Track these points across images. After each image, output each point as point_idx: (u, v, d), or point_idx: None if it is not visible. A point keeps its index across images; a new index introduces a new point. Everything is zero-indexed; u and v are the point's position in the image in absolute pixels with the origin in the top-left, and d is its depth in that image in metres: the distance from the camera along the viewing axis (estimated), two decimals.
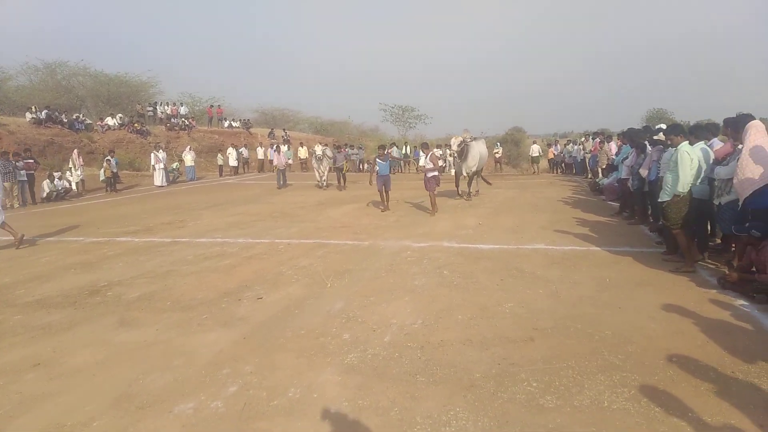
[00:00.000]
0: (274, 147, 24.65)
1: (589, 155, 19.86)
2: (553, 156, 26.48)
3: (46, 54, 56.76)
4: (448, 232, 9.51)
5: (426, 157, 12.23)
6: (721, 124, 7.28)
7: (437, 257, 7.60)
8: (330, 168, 19.29)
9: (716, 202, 6.56)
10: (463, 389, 3.62)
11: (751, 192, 5.73)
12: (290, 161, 22.98)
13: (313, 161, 19.64)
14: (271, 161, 21.47)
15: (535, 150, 27.77)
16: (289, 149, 31.70)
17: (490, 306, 5.38)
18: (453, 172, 16.04)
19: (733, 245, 6.70)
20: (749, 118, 6.05)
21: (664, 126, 9.39)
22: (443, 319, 5.04)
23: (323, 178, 19.13)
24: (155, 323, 5.13)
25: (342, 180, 18.99)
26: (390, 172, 12.95)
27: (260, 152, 30.69)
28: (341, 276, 6.69)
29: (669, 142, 7.25)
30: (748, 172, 5.73)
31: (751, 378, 3.69)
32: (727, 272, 5.86)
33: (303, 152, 31.13)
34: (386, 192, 12.52)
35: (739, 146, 6.15)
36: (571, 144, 25.94)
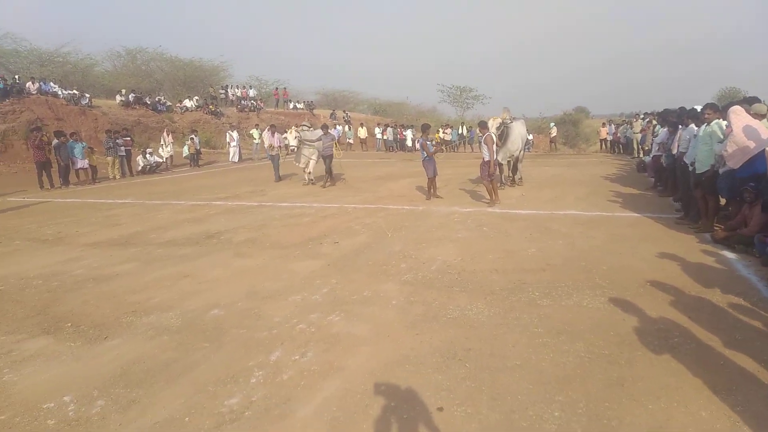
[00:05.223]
0: (269, 128, 19.14)
1: (640, 135, 20.51)
2: (606, 136, 26.98)
3: (126, 40, 60.78)
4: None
5: (482, 138, 10.60)
6: None
7: (480, 218, 9.05)
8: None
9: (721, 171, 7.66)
10: (485, 295, 5.15)
11: (745, 160, 6.87)
12: (280, 145, 17.58)
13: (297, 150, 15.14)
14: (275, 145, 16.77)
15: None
16: (350, 129, 33.62)
17: (515, 251, 6.83)
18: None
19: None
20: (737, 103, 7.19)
21: (698, 107, 10.35)
22: (477, 257, 6.55)
23: (309, 171, 14.95)
24: (262, 255, 6.92)
25: (328, 173, 14.69)
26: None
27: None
28: (399, 230, 8.28)
29: (705, 117, 8.06)
30: (742, 143, 6.87)
31: (702, 294, 5.02)
32: (716, 229, 7.06)
33: (363, 132, 32.94)
34: (431, 178, 11.48)
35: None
36: (626, 125, 26.40)
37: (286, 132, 15.19)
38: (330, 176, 14.74)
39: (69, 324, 4.77)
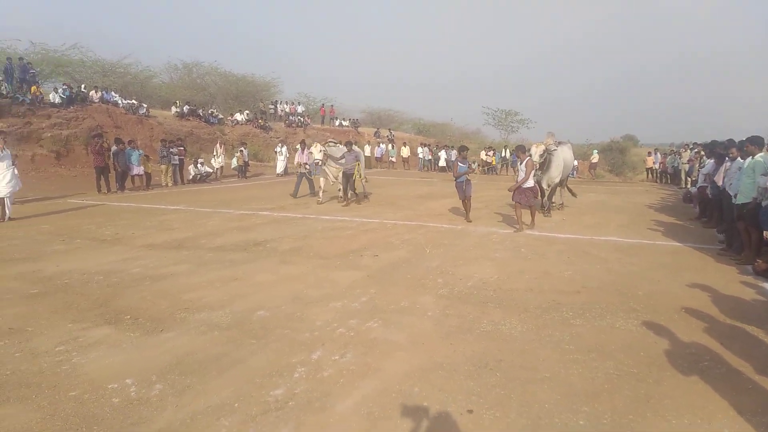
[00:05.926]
0: (299, 144, 18.87)
1: (687, 165, 20.20)
2: (652, 165, 26.59)
3: (184, 54, 63.39)
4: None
5: (522, 163, 10.45)
6: None
7: (518, 240, 9.18)
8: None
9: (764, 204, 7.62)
10: (519, 312, 5.31)
11: None
12: (308, 162, 15.88)
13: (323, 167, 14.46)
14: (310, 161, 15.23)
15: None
16: (393, 148, 34.13)
17: (552, 272, 6.95)
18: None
19: None
20: None
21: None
22: (514, 276, 6.70)
23: (322, 188, 14.71)
24: (305, 264, 7.25)
25: (349, 191, 14.29)
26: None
27: (367, 150, 33.25)
28: (438, 247, 8.49)
29: (745, 150, 8.10)
30: None
31: (737, 323, 5.05)
32: (758, 262, 7.01)
33: (405, 151, 33.39)
34: (467, 199, 11.30)
35: None
36: (674, 155, 25.98)
37: (313, 146, 14.29)
38: (347, 194, 14.26)
39: (128, 316, 5.17)
